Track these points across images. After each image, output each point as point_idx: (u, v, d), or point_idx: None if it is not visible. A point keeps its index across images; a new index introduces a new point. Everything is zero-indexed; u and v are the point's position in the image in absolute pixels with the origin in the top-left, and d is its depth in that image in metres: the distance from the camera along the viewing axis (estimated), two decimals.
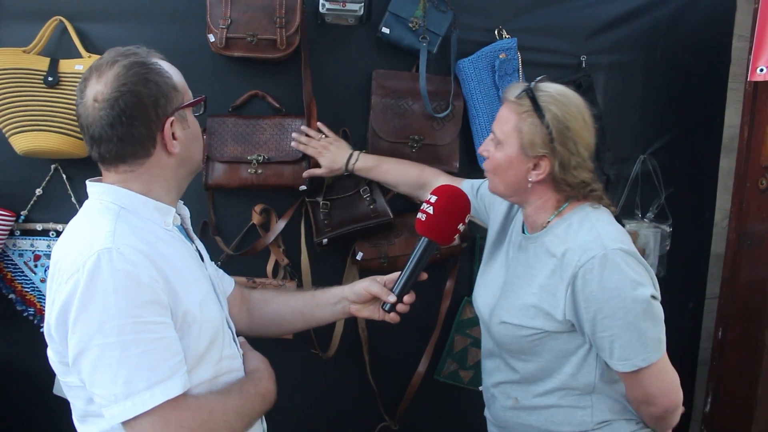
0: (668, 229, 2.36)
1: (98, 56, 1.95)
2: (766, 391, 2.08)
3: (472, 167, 2.19)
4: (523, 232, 1.64)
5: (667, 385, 1.44)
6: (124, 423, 1.13)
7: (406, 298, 1.58)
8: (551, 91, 1.49)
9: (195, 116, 1.39)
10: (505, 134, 1.51)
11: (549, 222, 1.54)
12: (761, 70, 1.98)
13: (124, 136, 1.22)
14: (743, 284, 2.17)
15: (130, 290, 1.12)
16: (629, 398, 1.51)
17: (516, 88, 1.52)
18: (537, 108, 1.46)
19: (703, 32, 2.39)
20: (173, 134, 1.28)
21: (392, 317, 1.59)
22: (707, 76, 2.43)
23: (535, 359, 1.53)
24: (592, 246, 1.41)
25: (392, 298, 1.56)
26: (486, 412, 1.78)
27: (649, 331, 1.39)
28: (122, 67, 1.22)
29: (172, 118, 1.27)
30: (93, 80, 1.23)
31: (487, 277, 1.71)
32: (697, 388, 2.55)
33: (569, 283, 1.42)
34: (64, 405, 1.33)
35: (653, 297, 1.41)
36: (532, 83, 1.51)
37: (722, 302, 2.30)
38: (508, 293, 1.58)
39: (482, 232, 2.24)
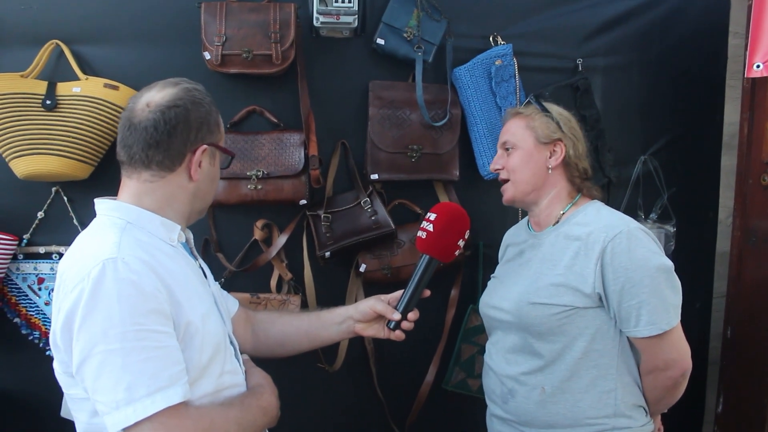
0: (672, 230, 2.34)
1: (96, 78, 1.98)
2: None
3: (471, 175, 2.19)
4: (530, 231, 1.78)
5: (685, 348, 1.56)
6: (126, 430, 1.13)
7: (411, 316, 1.60)
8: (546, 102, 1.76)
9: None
10: (518, 137, 1.71)
11: (563, 214, 1.69)
12: (758, 66, 1.97)
13: (161, 141, 1.29)
14: (749, 282, 2.16)
15: (134, 299, 1.15)
16: (648, 368, 1.59)
17: (516, 107, 1.76)
18: (542, 108, 1.72)
19: (699, 30, 2.39)
20: (200, 162, 1.34)
21: (397, 335, 1.61)
22: (705, 74, 2.42)
23: (561, 338, 1.59)
24: (616, 224, 1.56)
25: (397, 316, 1.59)
26: (495, 410, 1.74)
27: (670, 298, 1.52)
28: (183, 89, 1.33)
29: (205, 147, 1.34)
30: (153, 91, 1.32)
31: (499, 284, 1.80)
32: (709, 389, 2.52)
33: (598, 258, 1.54)
34: (70, 429, 1.32)
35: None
36: (530, 97, 1.77)
37: (729, 301, 2.28)
38: (532, 281, 1.65)
39: (485, 239, 2.24)
